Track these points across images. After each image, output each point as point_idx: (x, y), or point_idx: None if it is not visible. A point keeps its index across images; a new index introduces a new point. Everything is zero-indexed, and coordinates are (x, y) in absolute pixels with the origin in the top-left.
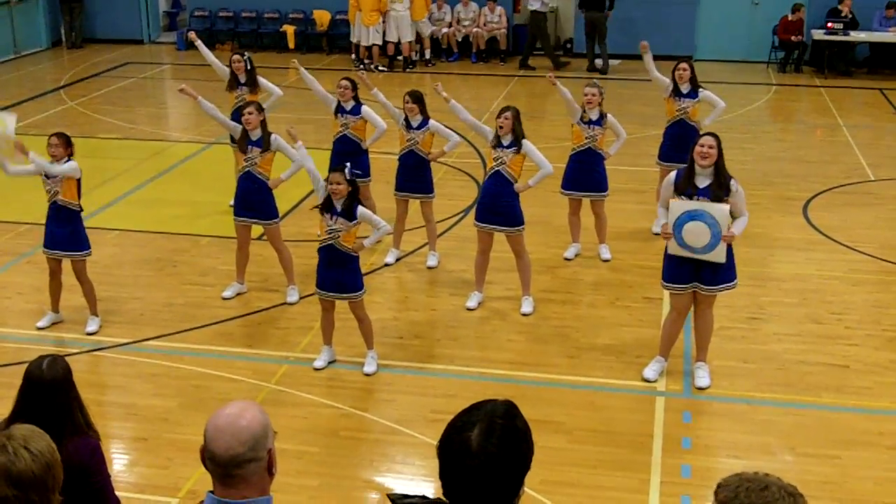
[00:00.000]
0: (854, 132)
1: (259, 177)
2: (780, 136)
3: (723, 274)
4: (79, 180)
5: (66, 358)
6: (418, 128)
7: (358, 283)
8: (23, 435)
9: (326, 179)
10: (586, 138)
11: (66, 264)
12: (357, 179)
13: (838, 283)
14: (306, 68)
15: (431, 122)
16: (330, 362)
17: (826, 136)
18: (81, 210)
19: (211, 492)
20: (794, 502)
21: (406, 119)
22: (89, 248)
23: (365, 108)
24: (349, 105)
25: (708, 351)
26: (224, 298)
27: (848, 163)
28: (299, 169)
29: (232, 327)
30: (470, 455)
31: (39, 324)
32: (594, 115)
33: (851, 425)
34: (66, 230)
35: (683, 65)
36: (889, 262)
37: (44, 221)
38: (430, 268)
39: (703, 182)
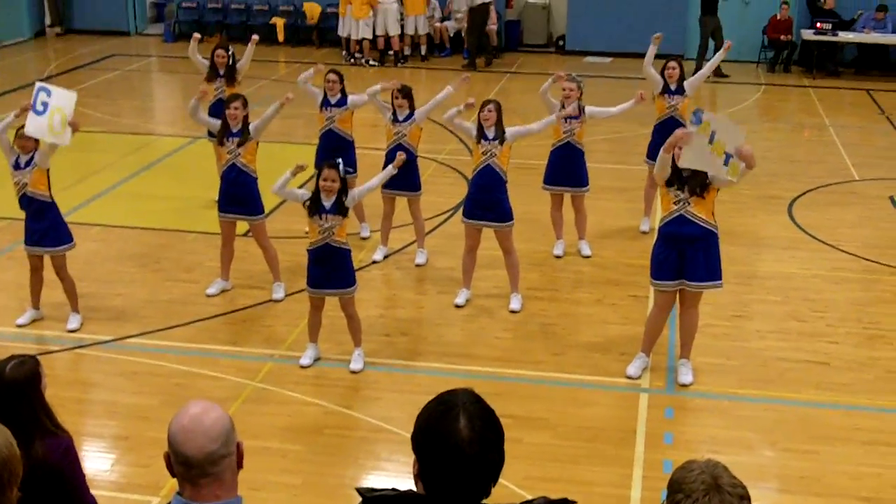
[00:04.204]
0: (840, 132)
1: (244, 169)
2: (768, 135)
3: (710, 272)
4: (48, 170)
5: (47, 355)
6: (405, 120)
7: (351, 279)
8: None
9: (319, 176)
10: (564, 132)
11: (48, 259)
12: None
13: (821, 281)
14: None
15: (417, 112)
16: (315, 359)
17: (813, 136)
18: (53, 201)
19: (179, 493)
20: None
21: (394, 113)
22: (71, 240)
23: (351, 98)
24: (335, 98)
25: (692, 348)
26: (208, 295)
27: (833, 162)
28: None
29: (216, 324)
30: (465, 444)
31: (20, 321)
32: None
33: (830, 421)
34: (44, 224)
35: (673, 63)
36: (871, 260)
37: (23, 217)
38: (418, 265)
39: (686, 173)
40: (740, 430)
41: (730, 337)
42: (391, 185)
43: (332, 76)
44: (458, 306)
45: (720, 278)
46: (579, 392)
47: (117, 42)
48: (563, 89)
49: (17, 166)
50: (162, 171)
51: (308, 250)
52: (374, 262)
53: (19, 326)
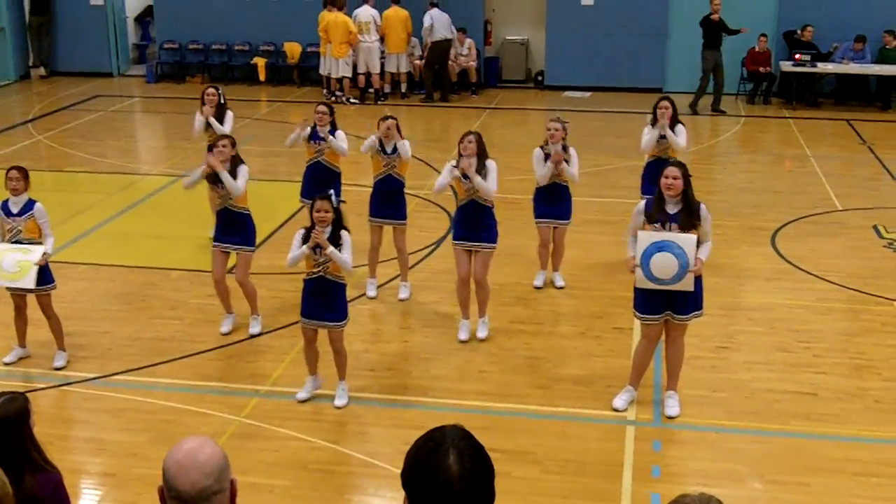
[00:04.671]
0: (821, 162)
1: (236, 210)
2: (749, 167)
3: (693, 302)
4: None
5: (34, 393)
6: (393, 152)
7: (343, 314)
8: None
9: (312, 208)
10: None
11: (32, 299)
12: None
13: (806, 311)
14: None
15: (399, 146)
16: (314, 391)
17: (794, 167)
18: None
19: None
20: None
21: (381, 144)
22: (53, 281)
23: (339, 133)
24: (325, 131)
25: (678, 380)
26: (223, 334)
27: (815, 193)
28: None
29: (202, 361)
30: (455, 480)
31: (6, 359)
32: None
33: (819, 452)
34: None
35: (665, 102)
36: (856, 290)
37: None
38: (401, 300)
39: (673, 209)
40: (729, 463)
41: (716, 369)
42: (378, 214)
43: (322, 108)
44: (462, 341)
45: (702, 307)
46: (566, 425)
47: (101, 83)
48: (548, 129)
49: (8, 213)
50: (146, 209)
51: (304, 280)
52: (365, 297)
53: (6, 364)
